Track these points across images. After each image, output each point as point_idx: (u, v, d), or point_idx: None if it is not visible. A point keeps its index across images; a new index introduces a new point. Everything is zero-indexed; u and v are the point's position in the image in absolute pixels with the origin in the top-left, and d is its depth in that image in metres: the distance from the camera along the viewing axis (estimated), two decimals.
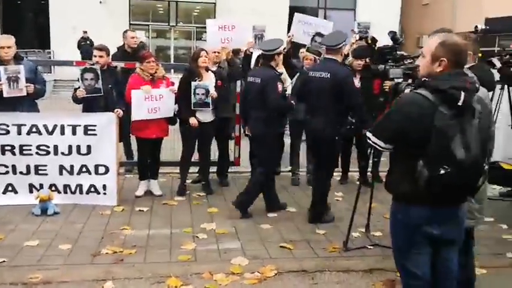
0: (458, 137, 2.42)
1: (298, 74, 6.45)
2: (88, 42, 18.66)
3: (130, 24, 22.06)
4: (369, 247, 4.55)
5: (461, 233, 2.77)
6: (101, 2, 20.83)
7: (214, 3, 22.19)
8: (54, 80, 17.38)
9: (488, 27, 17.38)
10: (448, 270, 2.79)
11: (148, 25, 22.95)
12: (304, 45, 6.60)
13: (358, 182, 6.58)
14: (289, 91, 6.52)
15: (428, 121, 2.43)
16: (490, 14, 21.07)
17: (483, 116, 2.56)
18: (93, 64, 5.56)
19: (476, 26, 16.98)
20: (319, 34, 6.29)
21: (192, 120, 5.80)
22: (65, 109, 7.46)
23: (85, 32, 18.95)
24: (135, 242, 4.48)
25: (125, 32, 7.45)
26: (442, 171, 2.40)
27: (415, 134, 2.49)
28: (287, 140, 7.07)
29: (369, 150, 5.41)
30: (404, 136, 2.54)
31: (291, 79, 6.54)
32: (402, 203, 2.67)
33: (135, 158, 6.24)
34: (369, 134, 2.73)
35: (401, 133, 2.56)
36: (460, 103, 2.42)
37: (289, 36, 6.39)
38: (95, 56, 5.56)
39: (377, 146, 2.70)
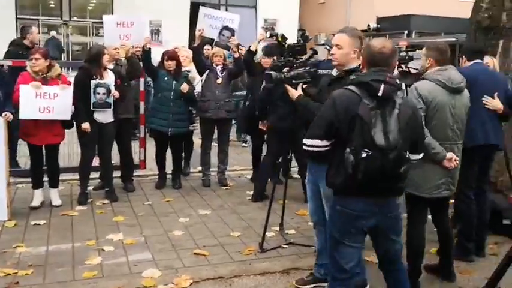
0: (379, 125, 2.62)
1: (208, 71, 6.25)
2: None
3: (17, 18, 20.48)
4: (284, 246, 4.49)
5: (398, 224, 2.94)
6: None
7: None
8: None
9: (379, 26, 18.63)
10: (389, 255, 3.00)
11: (38, 19, 21.37)
12: (212, 41, 6.39)
13: (269, 179, 6.61)
14: (198, 89, 6.34)
15: (354, 111, 2.63)
16: (381, 13, 22.36)
17: (404, 108, 2.71)
18: None
19: (368, 25, 18.13)
20: (226, 28, 6.13)
21: (84, 125, 5.36)
22: None
23: None
24: (32, 261, 4.02)
25: (29, 27, 7.00)
26: (364, 155, 2.58)
27: (343, 124, 2.67)
28: (197, 140, 6.89)
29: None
30: (336, 129, 2.71)
31: (201, 76, 6.34)
32: (340, 195, 2.82)
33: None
34: (305, 141, 2.81)
35: (333, 126, 2.72)
36: (379, 94, 2.64)
37: (199, 30, 6.15)
38: None
39: (316, 148, 2.78)
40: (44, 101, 5.06)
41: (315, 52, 3.98)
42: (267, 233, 4.50)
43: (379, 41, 2.88)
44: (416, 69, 5.88)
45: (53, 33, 20.40)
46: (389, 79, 2.70)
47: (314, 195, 3.58)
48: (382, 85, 2.65)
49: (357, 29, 3.58)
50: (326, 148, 2.78)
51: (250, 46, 6.16)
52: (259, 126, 6.08)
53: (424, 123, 3.38)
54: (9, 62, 5.92)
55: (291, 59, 3.93)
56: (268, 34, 5.82)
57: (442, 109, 3.56)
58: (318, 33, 23.37)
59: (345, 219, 2.81)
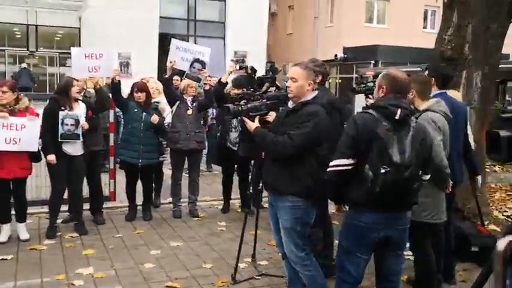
0: (395, 144, 2.90)
1: (178, 102, 6.31)
2: None
3: None
4: (257, 277, 4.50)
5: (405, 237, 3.20)
6: None
7: (79, 28, 21.20)
8: None
9: (346, 56, 19.12)
10: (392, 272, 3.21)
11: (4, 50, 21.13)
12: (182, 72, 6.47)
13: (240, 210, 6.66)
14: (168, 120, 6.37)
15: (373, 131, 2.91)
16: (348, 43, 23.00)
17: (416, 131, 3.01)
18: None
19: (336, 55, 18.58)
20: (197, 60, 6.24)
21: (50, 157, 5.32)
22: None
23: None
24: None
25: None
26: (383, 170, 2.84)
27: (363, 142, 2.93)
28: (167, 171, 6.89)
29: (249, 177, 5.42)
30: (357, 147, 2.96)
31: (171, 107, 6.39)
32: (355, 209, 3.06)
33: None
34: (333, 163, 3.03)
35: (356, 145, 2.96)
36: (397, 117, 2.93)
37: (170, 62, 6.23)
38: None
39: (341, 167, 3.00)
40: (10, 132, 5.01)
41: (272, 85, 4.13)
42: (239, 264, 4.51)
43: (398, 72, 3.19)
44: None
45: (24, 64, 20.21)
46: (404, 104, 3.01)
47: (277, 228, 3.69)
48: (399, 109, 2.94)
49: (319, 59, 3.84)
50: (350, 167, 2.99)
51: (220, 78, 6.27)
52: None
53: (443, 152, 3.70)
54: None
55: (248, 91, 4.08)
56: (237, 66, 5.93)
57: (446, 137, 3.84)
58: (287, 63, 23.83)
59: (358, 232, 3.05)
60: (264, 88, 4.09)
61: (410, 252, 4.07)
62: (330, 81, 24.03)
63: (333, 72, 24.90)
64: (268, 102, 3.85)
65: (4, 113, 5.03)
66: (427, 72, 4.87)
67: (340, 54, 23.31)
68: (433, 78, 4.35)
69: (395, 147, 2.89)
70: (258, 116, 3.75)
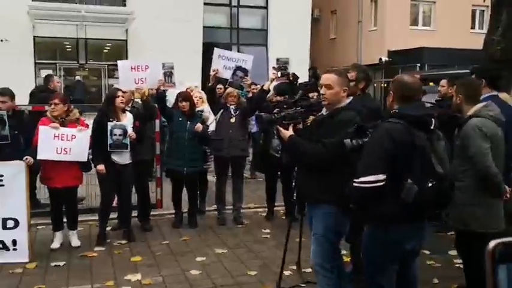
0: (433, 155, 2.82)
1: (222, 110, 6.40)
2: None
3: (35, 63, 21.12)
4: (302, 285, 4.48)
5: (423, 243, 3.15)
6: (2, 41, 19.68)
7: (126, 40, 21.82)
8: None
9: (391, 59, 18.69)
10: (414, 278, 3.21)
11: (55, 63, 22.01)
12: (225, 81, 6.57)
13: (284, 217, 6.65)
14: (212, 128, 6.46)
15: (410, 142, 2.79)
16: (393, 46, 22.58)
17: (443, 139, 2.97)
18: None
19: (380, 59, 18.22)
20: (240, 68, 6.30)
21: (100, 167, 5.50)
22: None
23: None
24: None
25: (51, 76, 7.58)
26: (430, 184, 2.75)
27: (400, 155, 2.80)
28: (212, 178, 6.97)
29: (293, 184, 5.40)
30: (392, 161, 2.81)
31: (215, 115, 6.48)
32: (384, 223, 2.93)
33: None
34: (361, 179, 2.83)
35: (390, 159, 2.81)
36: (432, 127, 2.87)
37: (213, 71, 6.33)
38: (2, 102, 5.12)
39: (372, 184, 2.80)
40: (61, 142, 5.20)
41: (304, 93, 4.05)
42: (284, 272, 4.50)
43: (407, 76, 3.11)
44: (432, 103, 5.93)
45: (78, 77, 21.08)
46: (432, 112, 2.98)
47: None
48: (433, 119, 2.88)
49: (362, 65, 3.73)
50: (382, 183, 2.81)
51: (263, 85, 6.32)
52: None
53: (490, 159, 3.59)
54: (29, 107, 6.11)
55: (289, 98, 4.02)
56: (279, 73, 5.95)
57: (496, 143, 3.69)
58: (330, 69, 23.69)
59: (390, 245, 2.97)
60: (298, 96, 4.03)
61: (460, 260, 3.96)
62: (375, 85, 23.67)
63: (378, 77, 24.50)
64: (303, 110, 3.77)
65: (55, 124, 5.24)
66: (474, 74, 4.72)
67: (385, 58, 22.91)
68: (483, 80, 4.22)
69: (433, 157, 2.82)
70: (292, 124, 3.67)
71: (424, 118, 2.89)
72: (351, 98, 3.49)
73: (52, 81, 7.32)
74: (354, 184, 2.86)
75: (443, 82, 6.50)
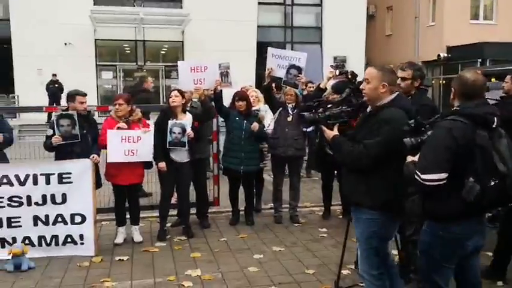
0: (495, 153, 2.78)
1: (280, 109, 6.44)
2: (57, 85, 18.39)
3: (97, 65, 21.97)
4: (361, 284, 4.42)
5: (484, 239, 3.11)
6: (66, 44, 20.62)
7: (182, 41, 22.31)
8: (20, 125, 16.95)
9: (450, 55, 18.05)
10: (476, 275, 3.17)
11: (115, 65, 22.82)
12: (280, 79, 6.60)
13: (341, 216, 6.60)
14: (271, 126, 6.50)
15: (472, 141, 2.77)
16: (452, 42, 21.82)
17: (506, 136, 2.89)
18: (66, 109, 5.39)
19: (438, 55, 17.65)
20: (293, 66, 6.32)
21: (161, 165, 5.67)
22: (34, 155, 7.22)
23: (54, 75, 18.67)
24: None
25: (144, 77, 8.09)
26: (492, 183, 2.72)
27: (462, 154, 2.78)
28: (268, 177, 7.03)
29: None
30: (453, 159, 2.79)
31: (273, 114, 6.53)
32: (444, 221, 2.91)
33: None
34: (423, 176, 2.82)
35: (452, 157, 2.79)
36: (494, 125, 2.83)
37: (268, 70, 6.38)
38: (82, 103, 5.40)
39: (435, 182, 2.80)
40: (128, 144, 5.40)
41: (353, 91, 3.93)
42: (342, 271, 4.48)
43: (471, 73, 3.00)
44: (496, 100, 5.71)
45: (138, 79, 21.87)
46: (494, 110, 2.90)
47: None
48: (495, 117, 2.84)
49: (417, 62, 3.61)
50: (444, 181, 2.81)
51: (319, 84, 6.30)
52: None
53: None
54: (94, 107, 6.38)
55: (322, 98, 3.92)
56: (338, 72, 5.90)
57: None
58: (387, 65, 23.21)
59: (448, 243, 2.94)
60: (345, 94, 3.93)
61: None
62: (433, 82, 22.99)
63: (436, 73, 23.79)
64: (349, 109, 3.60)
65: (123, 123, 5.45)
66: None
67: (444, 54, 22.17)
68: None
69: (496, 156, 2.77)
70: (337, 124, 3.54)
71: (486, 116, 2.84)
72: (395, 94, 3.30)
73: (146, 82, 7.63)
74: (418, 181, 2.85)
75: (508, 78, 6.24)
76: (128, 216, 5.87)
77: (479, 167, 2.73)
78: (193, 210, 6.44)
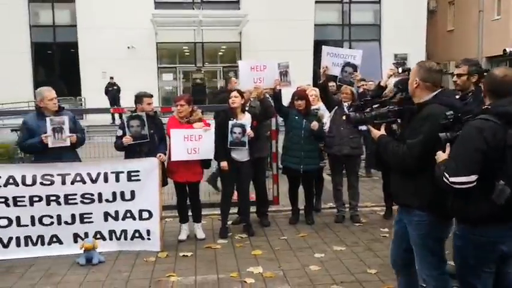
0: None
1: (336, 108, 6.42)
2: (115, 87, 19.12)
3: (158, 67, 22.65)
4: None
5: None
6: (128, 48, 21.41)
7: (239, 42, 22.59)
8: (86, 126, 17.78)
9: None
10: (510, 283, 3.02)
11: (175, 67, 23.44)
12: (335, 77, 6.58)
13: None
14: (327, 125, 6.49)
15: (503, 142, 2.66)
16: None
17: None
18: (134, 111, 5.62)
19: (504, 50, 16.63)
20: (348, 64, 6.28)
21: (223, 164, 5.80)
22: (101, 155, 7.57)
23: (111, 78, 19.45)
24: None
25: (229, 78, 8.18)
26: None
27: (492, 156, 2.67)
28: (327, 176, 7.01)
29: None
30: (483, 160, 2.69)
31: (330, 112, 6.52)
32: (476, 225, 2.82)
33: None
34: (452, 179, 2.74)
35: (482, 159, 2.69)
36: None
37: (323, 68, 6.38)
38: (149, 104, 5.63)
39: (465, 185, 2.71)
40: (191, 143, 5.57)
41: (400, 90, 3.81)
42: None
43: (500, 70, 2.90)
44: None
45: (199, 80, 22.53)
46: None
47: (396, 239, 3.51)
48: None
49: (473, 59, 3.47)
50: (474, 183, 2.71)
51: (379, 82, 6.21)
52: None
53: None
54: (159, 108, 6.61)
55: (371, 98, 3.83)
56: (400, 69, 5.79)
57: None
58: (448, 62, 22.44)
59: (480, 247, 2.85)
60: (392, 93, 3.84)
61: None
62: None
63: None
64: (396, 108, 3.49)
65: (199, 124, 5.64)
66: None
67: (510, 49, 21.16)
68: None
69: None
70: (384, 124, 3.46)
71: None
72: (437, 91, 3.21)
73: (230, 83, 7.83)
74: (447, 184, 2.75)
75: None
76: (190, 213, 6.04)
77: (510, 169, 2.62)
78: (253, 209, 6.54)
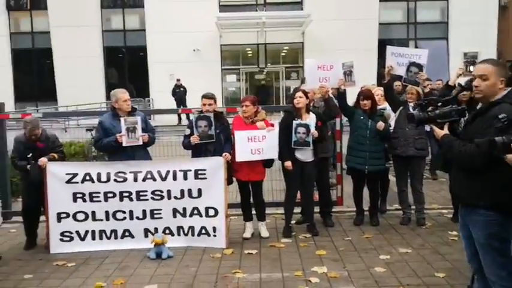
0: None
1: (401, 108, 6.31)
2: (182, 89, 19.67)
3: (222, 69, 23.08)
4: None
5: None
6: (194, 50, 21.97)
7: (302, 42, 22.57)
8: (154, 126, 18.41)
9: None
10: None
11: (239, 68, 23.78)
12: (400, 77, 6.47)
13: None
14: (392, 126, 6.38)
15: None
16: None
17: None
18: (200, 112, 5.80)
19: None
20: (413, 64, 6.15)
21: (287, 163, 5.83)
22: (170, 154, 7.83)
23: (178, 80, 20.02)
24: (249, 287, 4.49)
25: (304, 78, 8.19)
26: None
27: None
28: (393, 177, 6.88)
29: None
30: None
31: (394, 113, 6.41)
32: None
33: None
34: None
35: None
36: None
37: (387, 68, 6.28)
38: (204, 105, 5.78)
39: None
40: (254, 143, 5.67)
41: (464, 89, 3.69)
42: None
43: None
44: None
45: (263, 82, 22.79)
46: None
47: (468, 242, 3.39)
48: None
49: None
50: None
51: (448, 81, 6.05)
52: None
53: None
54: (224, 109, 6.76)
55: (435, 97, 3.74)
56: (472, 68, 5.61)
57: None
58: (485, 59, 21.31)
59: None
60: (455, 92, 3.72)
61: None
62: None
63: None
64: (459, 107, 3.45)
65: (262, 123, 5.76)
66: None
67: None
68: None
69: None
70: (447, 123, 3.40)
71: None
72: (508, 89, 3.14)
73: (306, 83, 8.06)
74: None
75: None
76: (254, 212, 6.14)
77: None
78: (316, 209, 6.54)
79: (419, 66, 6.15)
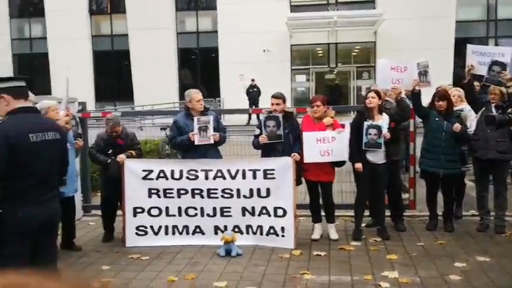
0: None
1: (483, 108, 6.01)
2: (256, 89, 19.88)
3: (292, 69, 23.09)
4: None
5: None
6: (264, 51, 22.14)
7: (374, 42, 22.10)
8: (224, 125, 18.74)
9: None
10: None
11: (308, 68, 23.67)
12: (481, 77, 6.17)
13: None
14: (473, 127, 6.10)
15: None
16: None
17: None
18: (270, 112, 5.83)
19: None
20: (496, 63, 5.84)
21: (357, 165, 5.73)
22: (239, 153, 7.94)
23: (253, 80, 20.25)
24: None
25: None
26: None
27: None
28: (469, 182, 6.60)
29: None
30: None
31: (476, 113, 6.13)
32: None
33: None
34: None
35: None
36: None
37: (468, 67, 6.02)
38: (273, 104, 5.80)
39: None
40: (323, 145, 5.62)
41: None
42: None
43: None
44: None
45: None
46: None
47: None
48: None
49: None
50: None
51: None
52: None
53: None
54: (294, 109, 6.77)
55: None
56: None
57: None
58: None
59: None
60: None
61: None
62: None
63: None
64: None
65: (328, 119, 5.73)
66: None
67: None
68: None
69: None
70: None
71: None
72: None
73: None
74: None
75: None
76: (322, 213, 6.09)
77: None
78: (388, 213, 6.38)
79: (503, 65, 5.85)
